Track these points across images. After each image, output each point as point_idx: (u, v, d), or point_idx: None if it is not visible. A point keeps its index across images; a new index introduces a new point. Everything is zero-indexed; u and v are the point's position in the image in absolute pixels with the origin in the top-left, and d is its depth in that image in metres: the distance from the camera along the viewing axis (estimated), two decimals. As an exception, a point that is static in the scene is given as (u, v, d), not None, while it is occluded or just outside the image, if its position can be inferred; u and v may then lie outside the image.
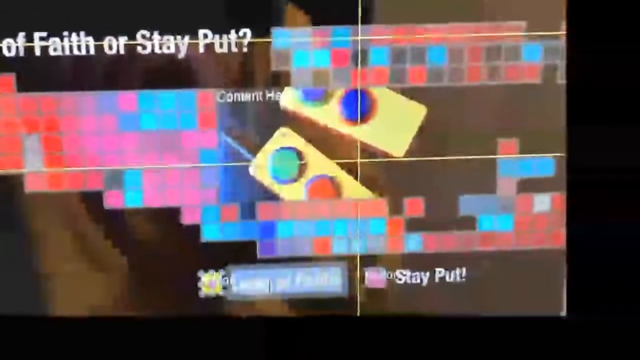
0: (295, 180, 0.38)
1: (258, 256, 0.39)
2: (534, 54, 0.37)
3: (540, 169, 0.39)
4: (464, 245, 0.39)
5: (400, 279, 0.40)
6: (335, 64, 0.37)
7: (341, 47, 0.37)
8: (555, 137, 0.38)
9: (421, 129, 0.38)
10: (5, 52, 0.36)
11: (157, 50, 0.36)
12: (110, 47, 0.36)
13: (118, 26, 0.36)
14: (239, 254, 0.39)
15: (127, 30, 0.36)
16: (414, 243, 0.39)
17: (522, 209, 0.39)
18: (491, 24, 0.37)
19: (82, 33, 0.36)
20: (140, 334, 0.38)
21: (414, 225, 0.39)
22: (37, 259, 0.38)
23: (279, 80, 0.37)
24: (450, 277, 0.40)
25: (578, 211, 0.37)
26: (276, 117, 0.37)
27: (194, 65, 0.37)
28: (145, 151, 0.37)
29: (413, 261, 0.39)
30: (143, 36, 0.36)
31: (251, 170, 0.38)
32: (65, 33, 0.36)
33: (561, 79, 0.38)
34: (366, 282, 0.40)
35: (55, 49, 0.36)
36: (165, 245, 0.38)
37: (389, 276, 0.40)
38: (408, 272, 0.40)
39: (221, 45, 0.36)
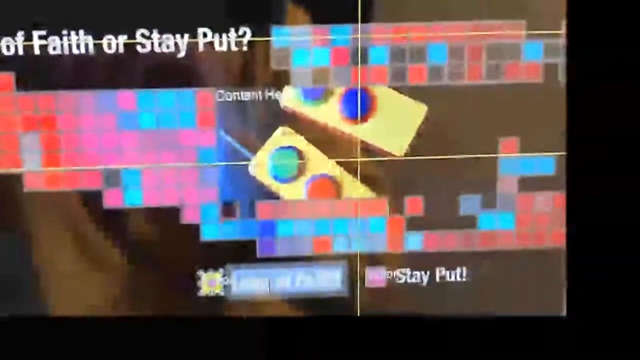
0: (295, 180, 0.38)
1: (258, 255, 0.39)
2: (534, 53, 0.37)
3: (541, 168, 0.39)
4: (464, 245, 0.39)
5: (400, 278, 0.40)
6: (335, 62, 0.37)
7: (341, 45, 0.37)
8: (556, 136, 0.38)
9: (421, 128, 0.38)
10: (4, 50, 0.36)
11: (156, 49, 0.36)
12: (110, 46, 0.36)
13: (117, 25, 0.36)
14: (238, 253, 0.39)
15: (126, 29, 0.36)
16: (414, 242, 0.39)
17: (523, 207, 0.39)
18: (492, 22, 0.37)
19: (81, 32, 0.36)
20: (140, 333, 0.38)
21: (414, 225, 0.39)
22: (35, 258, 0.38)
23: (279, 79, 0.37)
24: (450, 276, 0.40)
25: (578, 210, 0.37)
26: (276, 116, 0.37)
27: (194, 64, 0.36)
28: (144, 150, 0.37)
29: (413, 260, 0.39)
30: (142, 35, 0.36)
31: (251, 170, 0.38)
32: (65, 32, 0.36)
33: (562, 78, 0.38)
34: (366, 281, 0.40)
35: (54, 48, 0.36)
36: (165, 245, 0.38)
37: (389, 275, 0.40)
38: (408, 272, 0.40)
39: (221, 44, 0.36)
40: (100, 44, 0.36)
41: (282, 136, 0.38)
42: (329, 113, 0.38)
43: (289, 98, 0.37)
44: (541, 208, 0.39)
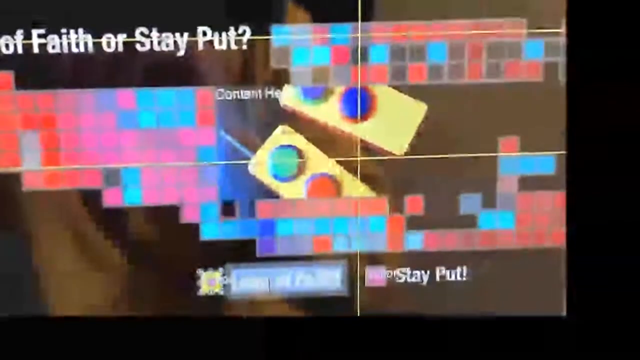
0: (295, 179, 0.38)
1: (257, 255, 0.39)
2: (535, 52, 0.37)
3: (541, 167, 0.39)
4: (464, 244, 0.39)
5: (400, 278, 0.40)
6: (335, 61, 0.37)
7: (341, 44, 0.37)
8: (556, 135, 0.38)
9: (421, 127, 0.38)
10: (3, 49, 0.36)
11: (156, 48, 0.36)
12: (109, 45, 0.36)
13: (117, 23, 0.36)
14: (238, 252, 0.38)
15: (125, 28, 0.36)
16: (415, 241, 0.39)
17: (523, 207, 0.39)
18: (492, 21, 0.37)
19: (80, 30, 0.36)
20: (140, 333, 0.38)
21: (414, 224, 0.39)
22: (35, 257, 0.38)
23: (279, 78, 0.37)
24: (450, 275, 0.40)
25: (578, 210, 0.37)
26: (276, 115, 0.37)
27: (193, 62, 0.36)
28: (144, 149, 0.37)
29: (413, 260, 0.39)
30: (142, 33, 0.36)
31: (250, 168, 0.38)
32: (64, 30, 0.36)
33: (562, 77, 0.38)
34: (366, 280, 0.39)
35: (53, 47, 0.36)
36: (164, 244, 0.38)
37: (389, 275, 0.39)
38: (408, 271, 0.40)
39: (220, 42, 0.36)
40: (100, 43, 0.36)
41: (282, 135, 0.38)
42: (329, 112, 0.38)
43: (288, 97, 0.37)
44: (541, 207, 0.39)
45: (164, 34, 0.36)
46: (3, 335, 0.37)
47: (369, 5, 0.36)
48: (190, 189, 0.38)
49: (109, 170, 0.37)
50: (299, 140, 0.38)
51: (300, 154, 0.38)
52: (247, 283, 0.39)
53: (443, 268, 0.40)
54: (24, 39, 0.35)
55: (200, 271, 0.39)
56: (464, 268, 0.40)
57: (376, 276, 0.39)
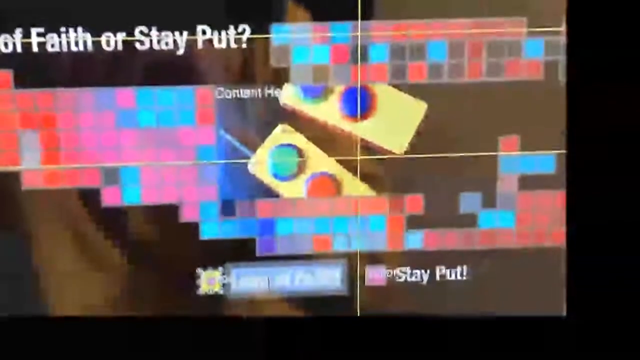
0: (294, 178, 0.38)
1: (257, 254, 0.39)
2: (535, 50, 0.37)
3: (541, 166, 0.39)
4: (464, 243, 0.39)
5: (400, 277, 0.39)
6: (335, 60, 0.37)
7: (341, 43, 0.37)
8: (556, 134, 0.38)
9: (421, 126, 0.38)
10: (2, 48, 0.35)
11: (155, 47, 0.36)
12: (108, 43, 0.36)
13: (116, 22, 0.36)
14: (238, 251, 0.38)
15: (125, 26, 0.36)
16: (415, 241, 0.39)
17: (523, 206, 0.39)
18: (492, 19, 0.37)
19: (79, 29, 0.36)
20: (139, 333, 0.38)
21: (414, 223, 0.39)
22: (33, 256, 0.38)
23: (279, 77, 0.37)
24: (450, 275, 0.40)
25: (578, 209, 0.37)
26: (275, 114, 0.37)
27: (193, 61, 0.36)
28: (143, 148, 0.37)
29: (413, 259, 0.39)
30: (141, 32, 0.36)
31: (250, 168, 0.38)
32: (63, 29, 0.36)
33: (562, 76, 0.38)
34: (366, 280, 0.39)
35: (52, 45, 0.36)
36: (164, 243, 0.38)
37: (389, 274, 0.39)
38: (408, 270, 0.39)
39: (220, 41, 0.36)
40: (99, 42, 0.36)
41: (282, 134, 0.37)
42: (329, 111, 0.38)
43: (288, 96, 0.37)
44: (541, 207, 0.39)
45: (163, 33, 0.36)
46: (3, 335, 0.37)
47: (369, 4, 0.36)
48: (190, 188, 0.38)
49: (108, 169, 0.37)
50: (299, 139, 0.38)
51: (300, 153, 0.38)
52: (247, 282, 0.39)
53: (443, 267, 0.39)
54: (23, 37, 0.35)
55: (199, 270, 0.39)
56: (464, 267, 0.39)
57: (376, 275, 0.39)
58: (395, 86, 0.37)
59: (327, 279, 0.39)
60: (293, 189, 0.38)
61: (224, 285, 0.39)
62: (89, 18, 0.35)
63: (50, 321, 0.38)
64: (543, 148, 0.38)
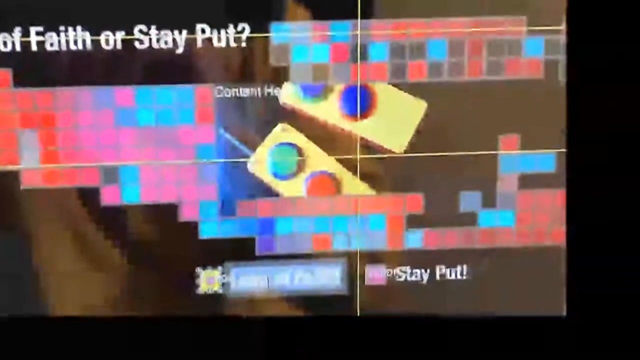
0: (294, 176, 0.38)
1: (257, 253, 0.39)
2: (535, 49, 0.37)
3: (541, 165, 0.39)
4: (464, 242, 0.39)
5: (400, 276, 0.39)
6: (334, 59, 0.37)
7: (341, 41, 0.37)
8: (556, 132, 0.38)
9: (421, 125, 0.38)
10: (1, 47, 0.35)
11: (154, 45, 0.36)
12: (108, 42, 0.36)
13: (115, 21, 0.36)
14: (237, 250, 0.38)
15: (124, 25, 0.36)
16: (415, 240, 0.39)
17: (523, 205, 0.39)
18: (492, 18, 0.37)
19: (78, 28, 0.36)
20: (139, 332, 0.38)
21: (414, 222, 0.39)
22: (32, 255, 0.38)
23: (278, 76, 0.37)
24: (450, 274, 0.39)
25: (578, 209, 0.37)
26: (275, 113, 0.37)
27: (192, 60, 0.36)
28: (142, 147, 0.37)
29: (413, 258, 0.39)
30: (140, 31, 0.36)
31: (250, 166, 0.38)
32: (62, 28, 0.36)
33: (562, 75, 0.38)
34: (366, 279, 0.39)
35: (51, 44, 0.36)
36: (163, 242, 0.38)
37: (389, 273, 0.39)
38: (408, 269, 0.39)
39: (219, 40, 0.36)
40: (98, 40, 0.36)
41: (282, 133, 0.37)
42: (329, 110, 0.38)
43: (288, 94, 0.37)
44: (541, 206, 0.39)
45: (162, 32, 0.36)
46: (3, 335, 0.37)
47: (369, 2, 0.36)
48: (189, 187, 0.38)
49: (107, 169, 0.37)
50: (299, 138, 0.38)
51: (299, 151, 0.38)
52: (246, 281, 0.39)
53: (443, 266, 0.39)
54: (22, 36, 0.35)
55: (199, 270, 0.38)
56: (464, 266, 0.39)
57: (376, 275, 0.39)
58: (395, 85, 0.37)
59: (327, 278, 0.39)
60: (293, 188, 0.38)
61: (223, 284, 0.39)
62: (88, 17, 0.35)
63: (50, 321, 0.38)
64: (543, 147, 0.38)
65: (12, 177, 0.37)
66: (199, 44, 0.36)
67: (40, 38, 0.35)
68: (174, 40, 0.36)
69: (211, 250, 0.38)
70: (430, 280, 0.40)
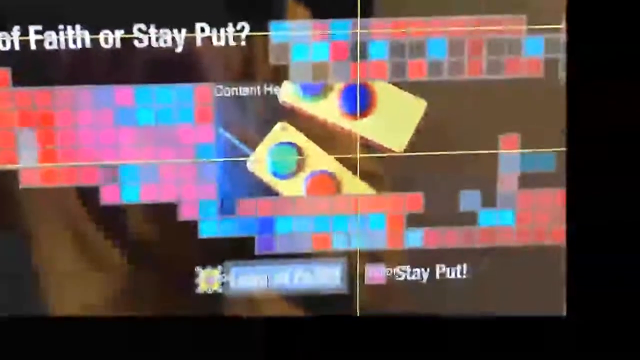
0: (294, 176, 0.38)
1: (256, 252, 0.38)
2: (535, 48, 0.37)
3: (541, 165, 0.39)
4: (464, 241, 0.39)
5: (400, 276, 0.39)
6: (334, 57, 0.37)
7: (340, 40, 0.36)
8: (556, 132, 0.38)
9: (421, 124, 0.38)
10: (0, 46, 0.35)
11: (154, 44, 0.36)
12: (107, 41, 0.36)
13: (114, 19, 0.36)
14: (237, 250, 0.38)
15: (123, 24, 0.36)
16: (414, 239, 0.39)
17: (523, 204, 0.39)
18: (492, 17, 0.37)
19: (77, 26, 0.36)
20: (138, 332, 0.38)
21: (414, 221, 0.39)
22: (34, 256, 0.38)
23: (278, 74, 0.37)
24: (450, 273, 0.39)
25: (578, 208, 0.37)
26: (275, 112, 0.37)
27: (192, 59, 0.36)
28: (142, 146, 0.37)
29: (413, 257, 0.39)
30: (140, 30, 0.36)
31: (249, 166, 0.38)
32: (61, 27, 0.35)
33: (562, 74, 0.38)
34: (366, 278, 0.39)
35: (50, 43, 0.36)
36: (162, 242, 0.38)
37: (389, 272, 0.39)
38: (408, 269, 0.39)
39: (219, 38, 0.36)
40: (97, 39, 0.36)
41: (281, 132, 0.37)
42: (328, 109, 0.37)
43: (287, 93, 0.37)
44: (541, 205, 0.39)
45: (162, 30, 0.36)
46: (3, 335, 0.37)
47: (369, 1, 0.36)
48: (189, 186, 0.37)
49: (106, 168, 0.37)
50: (298, 137, 0.38)
51: (299, 151, 0.38)
52: (246, 281, 0.39)
53: (443, 266, 0.39)
54: (21, 35, 0.35)
55: (198, 269, 0.38)
56: (464, 266, 0.39)
57: (376, 274, 0.39)
58: (395, 84, 0.37)
59: (327, 277, 0.39)
60: (292, 187, 0.38)
61: (223, 284, 0.39)
62: (87, 15, 0.35)
63: (49, 321, 0.38)
64: (543, 146, 0.38)
65: (10, 176, 0.37)
66: (199, 42, 0.36)
67: (39, 37, 0.35)
68: (173, 39, 0.36)
69: (211, 250, 0.38)
70: (430, 280, 0.39)
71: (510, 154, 0.38)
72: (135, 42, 0.36)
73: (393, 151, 0.38)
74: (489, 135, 0.38)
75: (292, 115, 0.37)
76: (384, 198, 0.39)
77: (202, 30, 0.36)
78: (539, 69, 0.37)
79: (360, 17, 0.36)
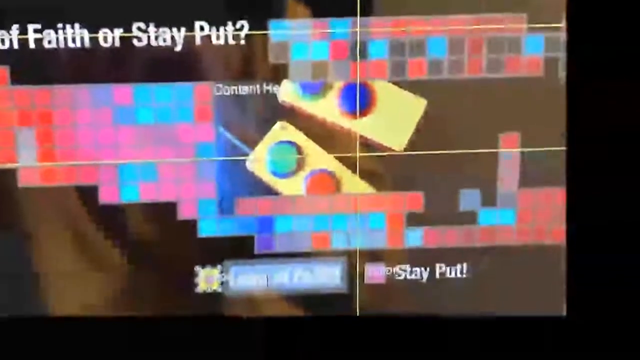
0: (293, 175, 0.38)
1: (256, 251, 0.38)
2: (535, 47, 0.37)
3: (541, 164, 0.38)
4: (464, 241, 0.39)
5: (400, 275, 0.39)
6: (334, 56, 0.37)
7: (340, 39, 0.36)
8: (556, 131, 0.38)
9: (421, 123, 0.38)
10: (-2, 44, 0.36)
11: (153, 43, 0.36)
12: (106, 40, 0.36)
13: (113, 18, 0.35)
14: (236, 249, 0.38)
15: (122, 23, 0.36)
16: (414, 238, 0.39)
17: (523, 203, 0.39)
18: (492, 15, 0.37)
19: (76, 25, 0.35)
20: (138, 332, 0.38)
21: (414, 220, 0.39)
22: (33, 256, 0.38)
23: (277, 73, 0.37)
24: (450, 272, 0.39)
25: (578, 207, 0.37)
26: (274, 111, 0.37)
27: (191, 58, 0.36)
28: (141, 145, 0.37)
29: (413, 256, 0.39)
30: (139, 28, 0.36)
31: (249, 165, 0.38)
32: (60, 25, 0.35)
33: (562, 72, 0.38)
34: (366, 277, 0.39)
35: (49, 42, 0.36)
36: (162, 241, 0.38)
37: (389, 272, 0.39)
38: (408, 268, 0.39)
39: (218, 37, 0.36)
40: (96, 38, 0.36)
41: (281, 131, 0.37)
42: (328, 107, 0.37)
43: (287, 92, 0.37)
44: (542, 204, 0.39)
45: (161, 29, 0.36)
46: (3, 335, 0.37)
47: (368, 0, 0.36)
48: (188, 185, 0.37)
49: (105, 167, 0.37)
50: (298, 136, 0.38)
51: (299, 150, 0.38)
52: (246, 280, 0.39)
53: (443, 265, 0.39)
54: (20, 33, 0.35)
55: (198, 268, 0.38)
56: (464, 265, 0.39)
57: (376, 273, 0.39)
58: (394, 83, 0.37)
59: (327, 276, 0.39)
60: (292, 186, 0.38)
61: (222, 283, 0.39)
62: (86, 14, 0.35)
63: (49, 321, 0.38)
64: (543, 145, 0.38)
65: (9, 175, 0.37)
66: (198, 41, 0.36)
67: (38, 35, 0.35)
68: (172, 37, 0.36)
69: (210, 249, 0.38)
70: (430, 279, 0.39)
71: (510, 153, 0.38)
72: (135, 41, 0.36)
73: (393, 150, 0.38)
74: (489, 134, 0.38)
75: (291, 114, 0.37)
76: (384, 197, 0.38)
77: (202, 29, 0.36)
78: (539, 68, 0.37)
79: (360, 15, 0.36)
